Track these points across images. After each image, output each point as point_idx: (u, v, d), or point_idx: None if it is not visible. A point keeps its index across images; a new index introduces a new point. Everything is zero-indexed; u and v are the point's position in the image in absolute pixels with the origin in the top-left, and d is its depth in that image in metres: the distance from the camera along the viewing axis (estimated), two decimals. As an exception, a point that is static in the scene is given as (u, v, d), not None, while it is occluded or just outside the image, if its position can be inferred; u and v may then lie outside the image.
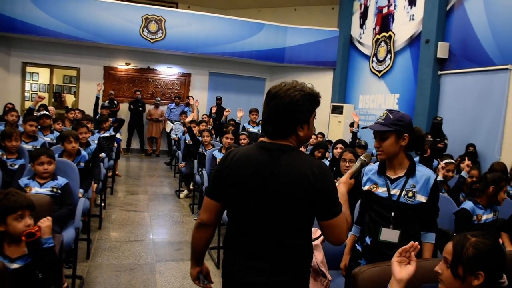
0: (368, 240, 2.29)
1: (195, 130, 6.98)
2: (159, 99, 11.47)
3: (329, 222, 1.59)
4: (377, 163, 2.34)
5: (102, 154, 5.93)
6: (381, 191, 2.26)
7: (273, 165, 1.60)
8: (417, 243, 1.56)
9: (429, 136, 6.90)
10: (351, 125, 8.52)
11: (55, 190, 3.45)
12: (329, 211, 1.59)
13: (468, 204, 3.25)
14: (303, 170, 1.57)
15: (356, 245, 2.40)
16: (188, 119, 6.74)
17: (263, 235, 1.61)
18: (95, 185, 4.76)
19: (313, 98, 1.64)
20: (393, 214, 2.20)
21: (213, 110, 8.97)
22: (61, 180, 3.54)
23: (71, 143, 4.14)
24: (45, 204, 2.63)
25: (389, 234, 2.20)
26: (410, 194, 2.19)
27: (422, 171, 2.24)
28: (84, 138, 4.87)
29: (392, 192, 2.23)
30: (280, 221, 1.59)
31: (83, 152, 4.39)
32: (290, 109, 1.59)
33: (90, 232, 4.75)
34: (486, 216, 3.24)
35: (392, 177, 2.25)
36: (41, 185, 3.43)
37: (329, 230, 1.61)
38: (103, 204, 5.80)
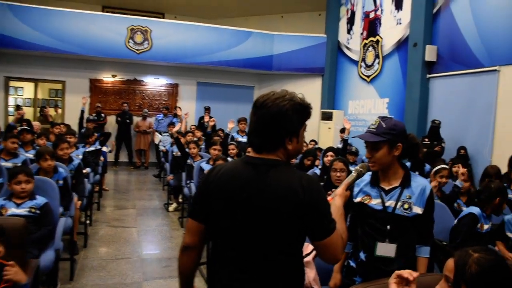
0: (362, 255, 2.15)
1: (182, 141, 6.83)
2: (147, 110, 11.32)
3: (323, 242, 1.48)
4: (369, 173, 2.21)
5: (87, 169, 5.77)
6: (375, 203, 2.13)
7: (259, 181, 1.48)
8: (418, 273, 1.43)
9: (427, 140, 6.84)
10: (342, 131, 8.43)
11: (33, 210, 3.27)
12: (321, 228, 1.47)
13: (476, 210, 3.12)
14: (291, 185, 1.46)
15: (350, 261, 2.25)
16: (175, 129, 6.59)
17: (249, 252, 1.50)
18: (79, 202, 4.59)
19: (303, 109, 1.53)
20: (388, 227, 2.08)
21: (206, 119, 8.80)
22: (40, 200, 3.36)
23: (46, 161, 3.97)
24: (19, 227, 2.47)
25: (385, 249, 2.07)
26: (406, 206, 2.06)
27: (418, 181, 2.12)
28: (65, 154, 4.70)
29: (386, 204, 2.10)
30: (266, 237, 1.47)
31: (60, 170, 4.22)
32: (278, 119, 1.48)
33: (74, 251, 4.59)
34: (487, 226, 3.13)
35: (386, 188, 2.13)
36: (18, 205, 3.25)
37: (324, 249, 1.50)
38: (88, 222, 5.63)
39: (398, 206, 2.07)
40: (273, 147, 1.52)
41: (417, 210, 2.06)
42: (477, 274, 1.35)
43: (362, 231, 2.19)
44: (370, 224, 2.14)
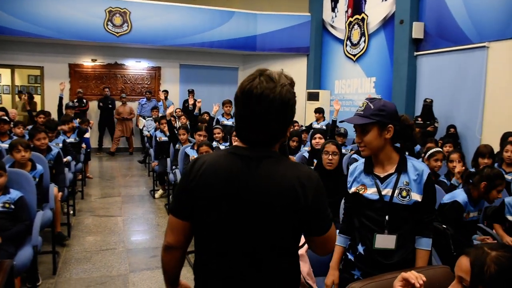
0: (360, 248, 2.03)
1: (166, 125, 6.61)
2: (125, 95, 11.01)
3: (320, 238, 1.38)
4: (363, 160, 2.07)
5: (68, 158, 5.57)
6: (371, 192, 1.99)
7: (248, 175, 1.32)
8: (425, 278, 1.30)
9: (419, 119, 6.75)
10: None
11: (7, 205, 3.09)
12: (322, 227, 1.37)
13: (461, 197, 2.95)
14: (288, 181, 1.30)
15: (348, 253, 2.12)
16: (169, 110, 6.32)
17: (237, 247, 1.35)
18: (60, 193, 4.41)
19: (293, 88, 1.37)
20: (387, 217, 1.94)
21: (190, 102, 8.61)
22: (14, 194, 3.18)
23: (19, 152, 3.76)
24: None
25: (384, 241, 1.95)
26: (404, 193, 1.93)
27: (414, 165, 1.98)
28: (43, 144, 4.49)
29: (383, 193, 1.96)
30: (256, 231, 1.33)
31: (39, 167, 4.01)
32: (284, 112, 1.31)
33: (61, 241, 4.48)
34: (473, 214, 2.98)
35: (381, 175, 1.99)
36: (-10, 201, 3.07)
37: (322, 244, 1.41)
38: (71, 212, 5.46)
39: (395, 194, 1.94)
40: (274, 141, 1.37)
41: (416, 197, 1.93)
42: (497, 274, 1.24)
43: (359, 223, 2.06)
44: (367, 215, 2.00)
